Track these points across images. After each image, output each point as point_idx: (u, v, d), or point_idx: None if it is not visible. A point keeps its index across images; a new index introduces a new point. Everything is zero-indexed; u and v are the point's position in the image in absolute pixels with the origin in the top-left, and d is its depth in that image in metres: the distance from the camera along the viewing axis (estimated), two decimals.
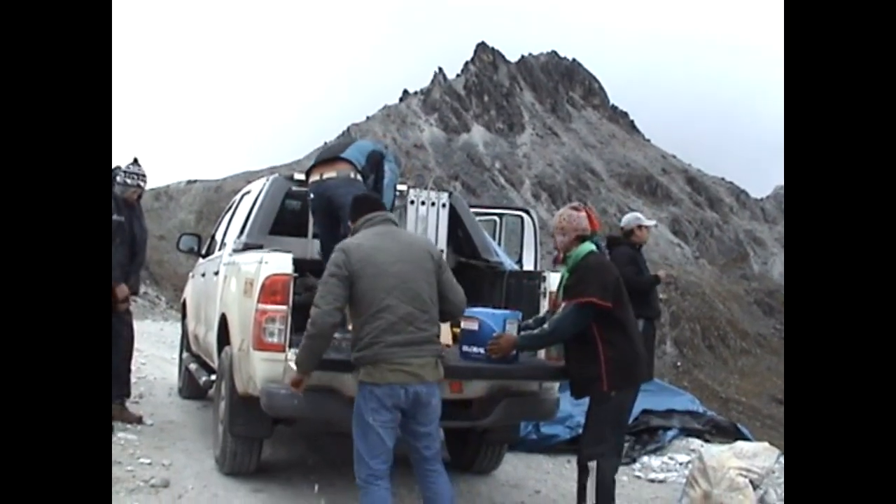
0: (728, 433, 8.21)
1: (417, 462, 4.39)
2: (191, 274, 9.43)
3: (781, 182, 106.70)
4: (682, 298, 58.95)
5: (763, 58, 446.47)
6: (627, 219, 9.02)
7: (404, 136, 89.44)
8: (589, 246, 5.06)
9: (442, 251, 6.36)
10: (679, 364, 52.28)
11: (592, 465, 4.81)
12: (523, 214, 8.67)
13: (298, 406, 4.95)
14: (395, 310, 4.25)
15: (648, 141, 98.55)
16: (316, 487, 5.66)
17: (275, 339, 4.95)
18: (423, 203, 6.61)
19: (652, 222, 9.51)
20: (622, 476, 6.06)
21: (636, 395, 5.12)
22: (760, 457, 6.00)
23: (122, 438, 6.68)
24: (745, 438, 7.89)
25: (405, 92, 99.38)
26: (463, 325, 5.43)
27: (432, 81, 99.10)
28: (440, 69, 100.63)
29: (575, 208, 5.28)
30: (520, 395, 5.57)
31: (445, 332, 5.35)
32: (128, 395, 7.61)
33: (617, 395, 4.87)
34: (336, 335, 4.46)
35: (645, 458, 7.52)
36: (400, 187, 6.61)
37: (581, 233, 5.10)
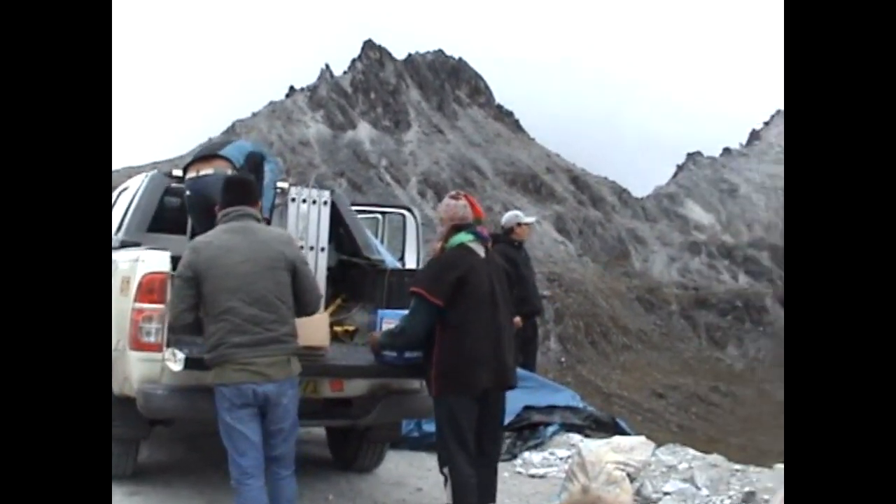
0: (608, 428, 8.40)
1: (266, 462, 4.38)
2: None
3: (662, 182, 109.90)
4: (565, 295, 60.15)
5: (644, 58, 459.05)
6: (507, 217, 9.17)
7: (290, 132, 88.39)
8: (462, 237, 4.96)
9: (323, 249, 6.35)
10: (563, 360, 53.33)
11: (446, 470, 4.80)
12: (406, 212, 8.70)
13: (175, 406, 4.89)
14: (239, 311, 4.25)
15: (533, 140, 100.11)
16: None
17: (152, 339, 4.88)
18: (304, 201, 6.56)
19: (532, 219, 9.67)
20: (503, 472, 6.14)
21: (495, 402, 4.98)
22: (637, 451, 6.20)
23: None
24: (624, 433, 8.10)
25: (291, 88, 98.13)
26: (384, 328, 5.40)
27: (319, 78, 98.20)
28: (327, 66, 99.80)
29: (454, 196, 5.23)
30: (401, 393, 5.60)
31: (324, 333, 5.30)
32: None
33: (447, 400, 4.80)
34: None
35: (526, 454, 7.65)
36: (281, 185, 6.55)
37: (458, 221, 5.02)
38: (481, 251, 5.05)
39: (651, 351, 60.11)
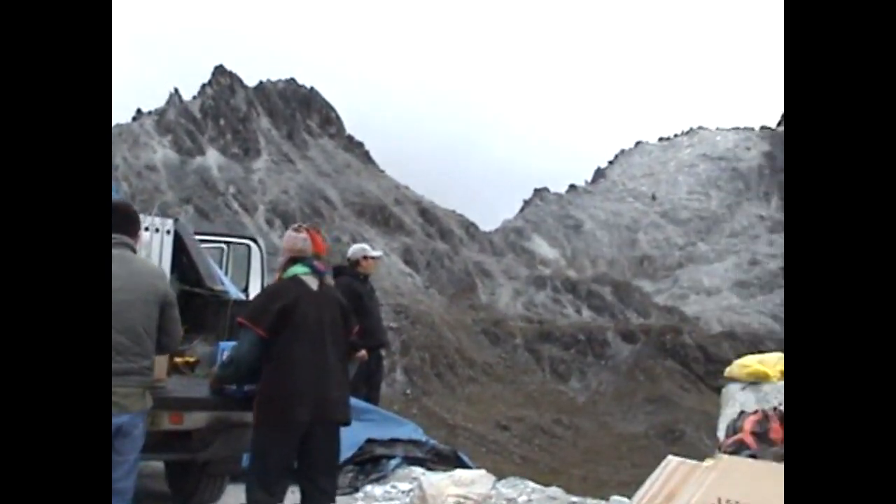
0: (449, 461, 8.53)
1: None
2: None
3: (509, 216, 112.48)
4: (412, 327, 60.52)
5: (497, 93, 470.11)
6: (354, 249, 9.25)
7: (136, 156, 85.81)
8: (297, 269, 4.99)
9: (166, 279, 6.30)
10: (409, 391, 53.54)
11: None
12: (251, 243, 8.68)
13: None
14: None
15: (383, 172, 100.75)
16: None
17: None
18: (146, 229, 6.48)
19: (378, 253, 9.79)
20: None
21: (325, 436, 4.95)
22: (478, 483, 6.38)
23: None
24: (466, 466, 8.26)
25: (138, 111, 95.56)
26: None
27: (167, 102, 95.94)
28: (176, 90, 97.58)
29: (296, 229, 5.25)
30: (241, 426, 5.57)
31: (162, 366, 5.25)
32: None
33: (262, 432, 4.82)
34: None
35: (368, 487, 7.68)
36: None
37: (297, 254, 5.05)
38: (314, 284, 5.05)
39: (496, 383, 61.14)
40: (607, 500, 6.71)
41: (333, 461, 5.27)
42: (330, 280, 5.25)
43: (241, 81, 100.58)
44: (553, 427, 56.43)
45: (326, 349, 4.96)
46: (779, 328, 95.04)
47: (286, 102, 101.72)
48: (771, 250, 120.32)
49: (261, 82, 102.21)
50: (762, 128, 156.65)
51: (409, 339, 58.38)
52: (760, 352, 7.79)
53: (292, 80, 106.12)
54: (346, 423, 5.19)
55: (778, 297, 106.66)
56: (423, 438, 8.88)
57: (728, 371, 7.41)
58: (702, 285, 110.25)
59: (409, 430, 8.91)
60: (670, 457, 4.99)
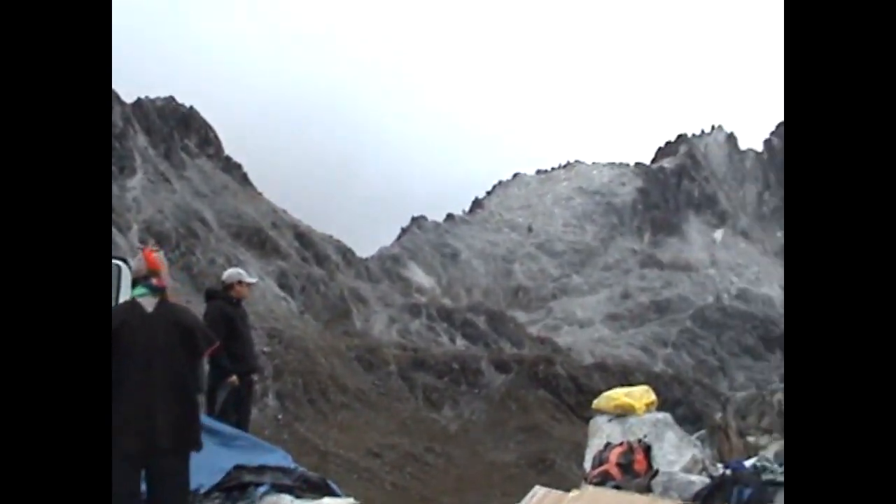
0: (318, 489, 8.57)
1: None
2: None
3: (386, 243, 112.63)
4: (285, 352, 59.96)
5: (376, 119, 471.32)
6: (229, 273, 9.22)
7: None
8: (136, 291, 4.86)
9: None
10: (280, 417, 52.90)
11: None
12: (120, 263, 8.52)
13: None
14: None
15: (260, 194, 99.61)
16: None
17: None
18: None
19: (253, 279, 9.77)
20: None
21: (169, 466, 4.77)
22: None
23: None
24: (335, 494, 8.32)
25: None
26: None
27: None
28: None
29: (142, 250, 5.16)
30: None
31: None
32: None
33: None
34: None
35: None
36: None
37: (136, 275, 4.95)
38: (150, 306, 4.91)
39: (369, 410, 61.00)
40: None
41: (179, 491, 5.10)
42: (175, 297, 5.12)
43: (118, 97, 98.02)
44: (425, 455, 56.58)
45: (154, 374, 4.79)
46: (648, 360, 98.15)
47: (164, 121, 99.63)
48: (642, 284, 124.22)
49: (139, 99, 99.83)
50: (637, 164, 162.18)
51: (282, 363, 57.77)
52: (630, 384, 8.20)
53: (171, 98, 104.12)
54: (184, 450, 5.01)
55: (648, 329, 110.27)
56: (292, 466, 8.83)
57: (596, 403, 7.89)
58: (575, 317, 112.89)
59: (278, 457, 8.86)
60: (537, 487, 5.38)
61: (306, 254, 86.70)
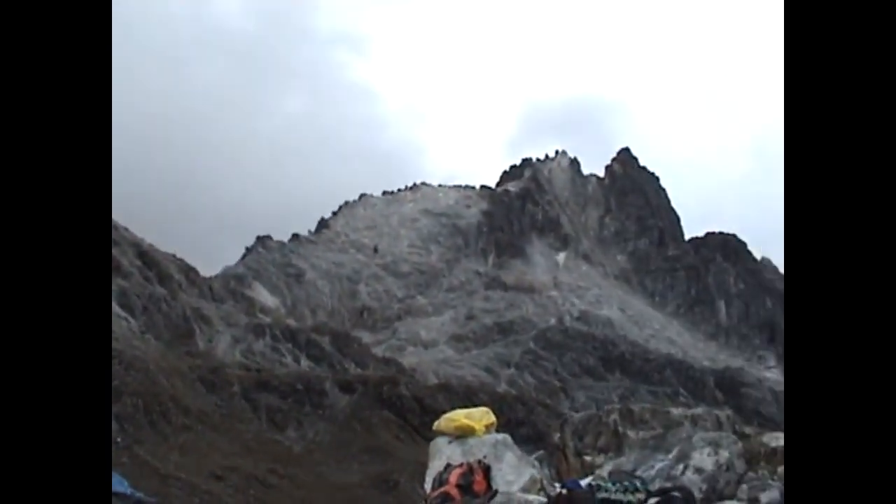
0: None
1: None
2: None
3: (231, 262, 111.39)
4: (125, 373, 59.08)
5: (223, 135, 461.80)
6: None
7: None
8: None
9: None
10: (120, 440, 52.15)
11: None
12: None
13: None
14: None
15: None
16: None
17: None
18: None
19: None
20: None
21: None
22: None
23: None
24: None
25: None
26: None
27: None
28: None
29: None
30: None
31: None
32: None
33: None
34: None
35: None
36: None
37: None
38: None
39: (211, 432, 60.62)
40: None
41: None
42: None
43: None
44: (268, 477, 56.65)
45: None
46: (491, 381, 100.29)
47: None
48: (486, 305, 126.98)
49: None
50: (482, 187, 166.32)
51: (121, 384, 56.87)
52: (474, 404, 8.90)
53: None
54: None
55: (492, 350, 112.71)
56: (128, 491, 8.73)
57: (436, 425, 8.08)
58: (419, 338, 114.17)
59: (115, 482, 8.49)
60: None
61: (148, 272, 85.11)
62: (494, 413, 8.98)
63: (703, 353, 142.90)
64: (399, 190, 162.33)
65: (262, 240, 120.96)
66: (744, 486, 7.37)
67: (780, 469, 8.21)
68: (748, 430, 10.80)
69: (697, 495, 6.49)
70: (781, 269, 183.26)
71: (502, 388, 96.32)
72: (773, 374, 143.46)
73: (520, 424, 63.92)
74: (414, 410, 68.49)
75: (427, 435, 8.25)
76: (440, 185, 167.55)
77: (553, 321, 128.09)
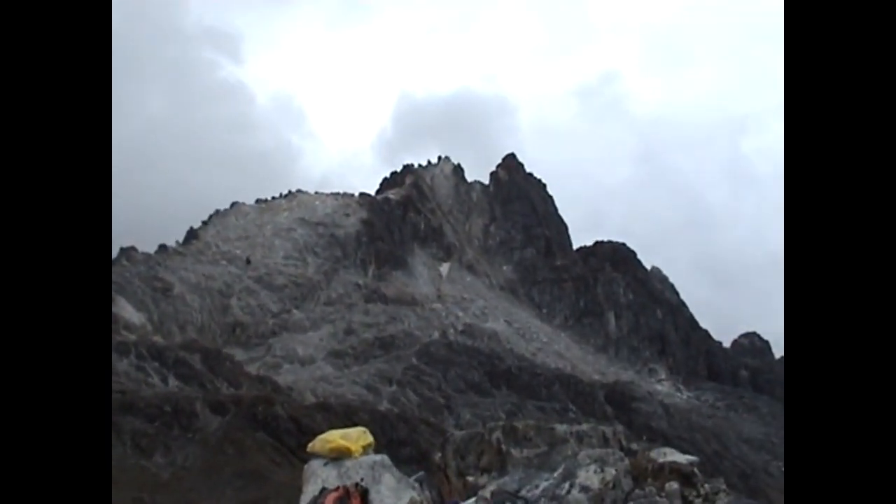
0: None
1: None
2: None
3: None
4: None
5: None
6: None
7: None
8: None
9: None
10: None
11: None
12: None
13: None
14: None
15: None
16: None
17: None
18: None
19: None
20: None
21: None
22: None
23: None
24: None
25: None
26: None
27: None
28: None
29: None
30: None
31: None
32: None
33: None
34: None
35: None
36: None
37: None
38: None
39: None
40: None
41: None
42: None
43: None
44: None
45: None
46: (372, 399, 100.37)
47: None
48: (367, 319, 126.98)
49: None
50: (361, 194, 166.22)
51: None
52: (354, 424, 8.85)
53: None
54: None
55: (373, 367, 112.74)
56: None
57: (311, 447, 8.17)
58: (296, 354, 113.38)
59: None
60: None
61: None
62: (374, 433, 8.94)
63: (593, 366, 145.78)
64: (273, 198, 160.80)
65: (126, 251, 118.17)
66: None
67: (668, 485, 8.50)
68: (635, 445, 10.90)
69: None
70: (671, 279, 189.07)
71: (384, 406, 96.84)
72: (663, 388, 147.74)
73: (402, 444, 64.30)
74: (290, 431, 68.05)
75: (304, 457, 8.34)
76: (317, 193, 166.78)
77: (436, 335, 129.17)
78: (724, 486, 10.43)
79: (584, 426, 11.29)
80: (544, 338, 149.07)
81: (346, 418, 64.22)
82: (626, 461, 8.13)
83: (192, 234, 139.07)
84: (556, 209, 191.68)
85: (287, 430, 68.72)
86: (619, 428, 11.84)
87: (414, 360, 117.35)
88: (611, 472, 7.55)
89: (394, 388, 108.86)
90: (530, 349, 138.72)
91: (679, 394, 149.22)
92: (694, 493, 8.86)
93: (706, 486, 9.23)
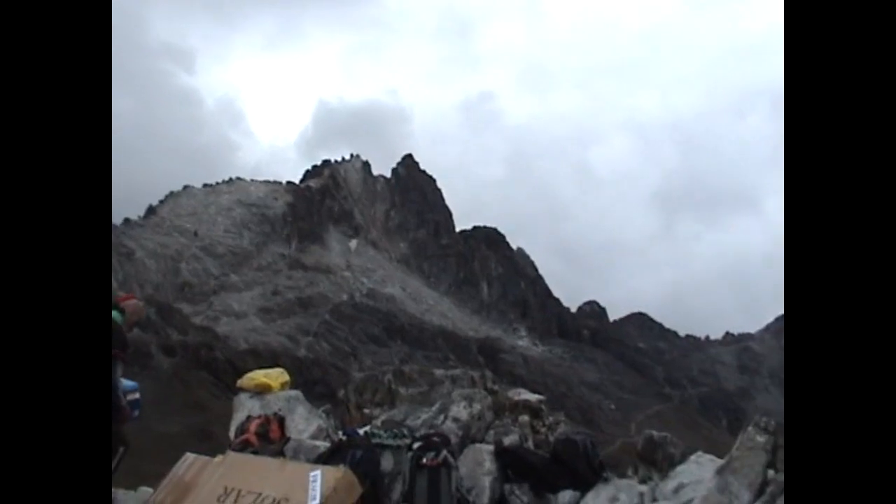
0: None
1: None
2: None
3: None
4: None
5: None
6: None
7: None
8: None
9: None
10: None
11: None
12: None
13: None
14: None
15: None
16: None
17: None
18: None
19: None
20: None
21: None
22: None
23: None
24: None
25: None
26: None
27: None
28: None
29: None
30: None
31: None
32: None
33: None
34: None
35: None
36: None
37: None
38: None
39: None
40: (136, 490, 6.69)
41: None
42: None
43: None
44: None
45: None
46: (293, 347, 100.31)
47: None
48: (289, 283, 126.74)
49: None
50: (288, 182, 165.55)
51: None
52: (278, 366, 8.69)
53: None
54: None
55: (294, 321, 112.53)
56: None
57: (239, 382, 7.88)
58: (232, 309, 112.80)
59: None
60: (188, 453, 5.24)
61: None
62: (293, 374, 8.76)
63: (469, 325, 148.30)
64: (217, 183, 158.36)
65: None
66: (491, 432, 7.50)
67: (521, 418, 8.86)
68: (496, 387, 10.73)
69: (454, 440, 6.64)
70: (532, 258, 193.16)
71: (302, 353, 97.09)
72: (523, 343, 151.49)
73: (316, 384, 64.47)
74: (227, 371, 66.95)
75: (237, 392, 8.15)
76: (252, 180, 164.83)
77: (345, 297, 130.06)
78: (563, 419, 11.07)
79: (458, 371, 11.02)
80: (431, 301, 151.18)
81: (272, 362, 64.26)
82: (489, 399, 8.02)
83: (150, 210, 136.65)
84: (443, 199, 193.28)
85: (224, 370, 68.16)
86: (488, 374, 11.58)
87: (327, 317, 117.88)
88: (477, 407, 7.48)
89: (310, 338, 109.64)
90: (420, 310, 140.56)
91: (535, 347, 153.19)
92: (540, 423, 9.24)
93: (550, 418, 9.67)
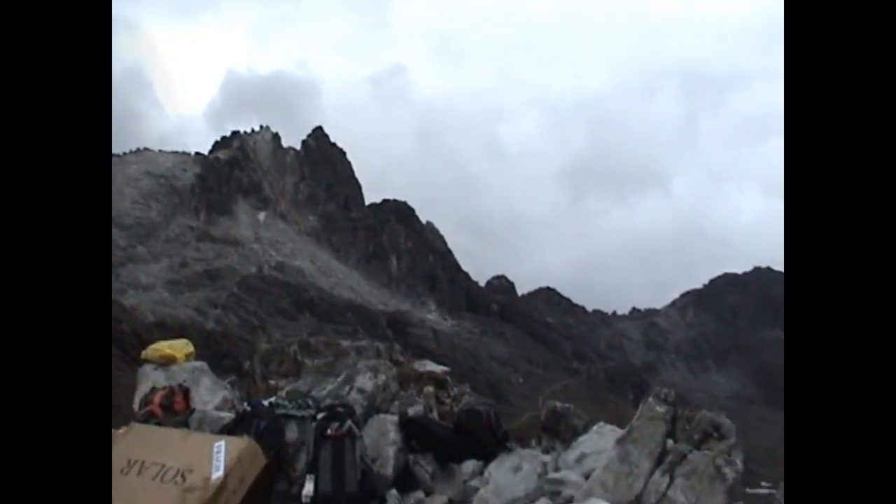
0: None
1: None
2: None
3: None
4: None
5: None
6: None
7: None
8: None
9: None
10: None
11: None
12: None
13: None
14: None
15: None
16: None
17: None
18: None
19: None
20: None
21: None
22: None
23: None
24: None
25: None
26: None
27: None
28: None
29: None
30: None
31: None
32: None
33: None
34: None
35: None
36: None
37: None
38: None
39: None
40: None
41: None
42: None
43: None
44: None
45: None
46: (201, 319, 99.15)
47: None
48: (197, 255, 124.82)
49: None
50: (196, 153, 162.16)
51: None
52: (184, 337, 8.35)
53: None
54: None
55: (202, 294, 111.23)
56: None
57: (144, 354, 7.72)
58: (139, 282, 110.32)
59: None
60: None
61: None
62: (202, 347, 8.59)
63: (378, 298, 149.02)
64: (124, 153, 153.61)
65: None
66: (396, 403, 7.53)
67: (426, 389, 8.91)
68: (402, 358, 10.72)
69: (359, 410, 6.66)
70: (441, 231, 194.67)
71: (210, 325, 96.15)
72: (433, 317, 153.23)
73: (224, 356, 64.09)
74: (133, 344, 65.82)
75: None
76: (160, 151, 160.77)
77: (254, 270, 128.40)
78: (468, 391, 11.06)
79: (364, 342, 10.97)
80: (340, 275, 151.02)
81: (180, 334, 62.42)
82: (395, 370, 8.07)
83: None
84: (353, 172, 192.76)
85: (131, 343, 66.67)
86: (397, 347, 11.59)
87: (235, 290, 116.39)
88: (382, 378, 7.49)
89: (218, 311, 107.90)
90: (329, 283, 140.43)
91: (445, 321, 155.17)
92: (445, 394, 9.28)
93: (455, 389, 9.73)
